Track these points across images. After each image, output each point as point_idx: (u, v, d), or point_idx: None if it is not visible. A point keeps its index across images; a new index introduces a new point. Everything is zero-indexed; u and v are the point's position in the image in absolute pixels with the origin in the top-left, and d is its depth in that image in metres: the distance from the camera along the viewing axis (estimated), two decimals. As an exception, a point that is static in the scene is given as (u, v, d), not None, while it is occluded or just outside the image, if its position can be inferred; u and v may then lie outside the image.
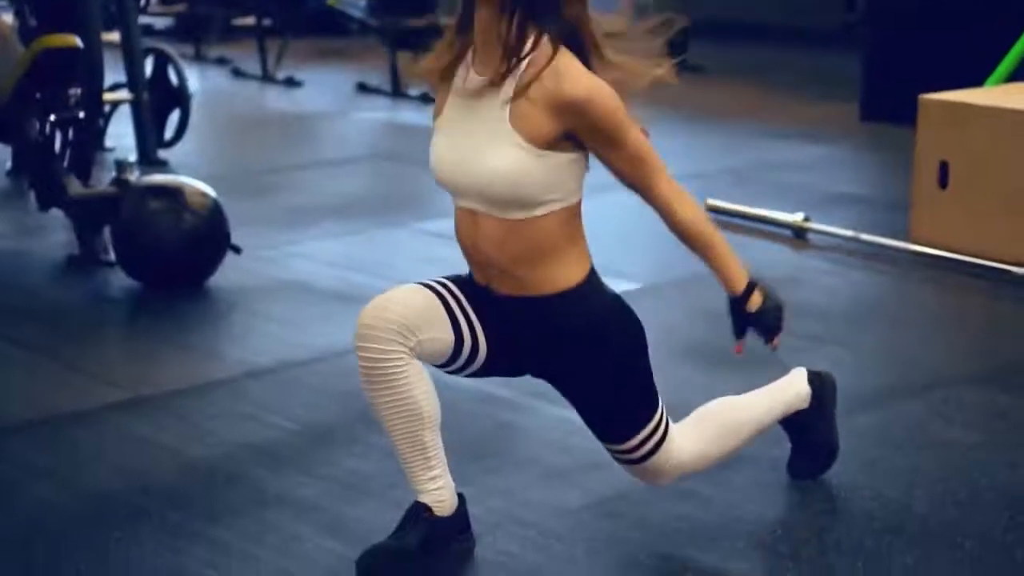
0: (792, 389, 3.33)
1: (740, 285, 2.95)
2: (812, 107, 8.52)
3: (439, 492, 2.93)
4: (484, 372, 2.99)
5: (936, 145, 5.43)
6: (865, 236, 5.46)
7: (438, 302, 2.87)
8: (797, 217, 5.63)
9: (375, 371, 2.81)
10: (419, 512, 2.93)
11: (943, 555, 3.04)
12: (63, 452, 3.59)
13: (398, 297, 2.84)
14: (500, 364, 2.97)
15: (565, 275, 2.86)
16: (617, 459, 3.09)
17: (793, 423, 3.35)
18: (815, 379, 3.37)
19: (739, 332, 3.00)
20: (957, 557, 3.04)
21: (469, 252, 2.91)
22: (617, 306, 2.94)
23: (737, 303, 2.95)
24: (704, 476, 3.40)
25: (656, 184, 2.83)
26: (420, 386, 2.84)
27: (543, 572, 2.96)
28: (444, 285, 2.91)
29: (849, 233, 5.50)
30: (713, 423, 3.17)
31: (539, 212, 2.80)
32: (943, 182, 5.39)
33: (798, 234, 5.61)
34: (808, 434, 3.36)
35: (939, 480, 3.41)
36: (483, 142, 2.77)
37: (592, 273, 2.91)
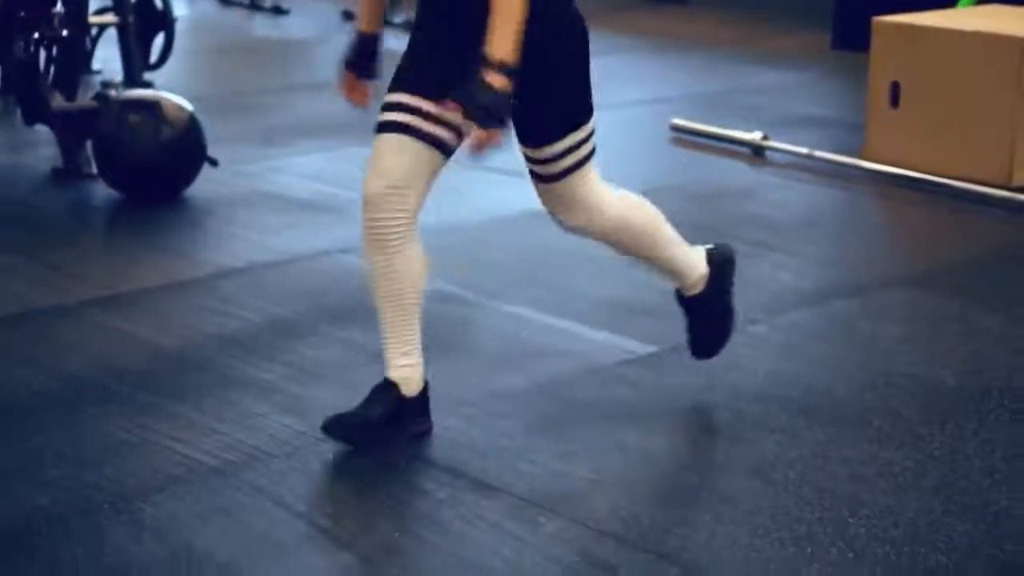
0: (693, 267, 3.41)
1: (494, 54, 2.89)
2: (786, 36, 8.68)
3: (409, 370, 3.17)
4: None
5: (888, 66, 5.64)
6: (819, 153, 5.67)
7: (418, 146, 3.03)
8: (755, 135, 5.84)
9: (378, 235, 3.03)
10: (387, 388, 3.17)
11: (853, 432, 3.28)
12: (43, 342, 3.82)
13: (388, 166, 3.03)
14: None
15: None
16: (539, 177, 3.22)
17: (690, 303, 3.45)
18: (715, 260, 3.45)
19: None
20: (867, 434, 3.28)
21: None
22: (576, 15, 3.11)
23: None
24: (637, 361, 3.66)
25: None
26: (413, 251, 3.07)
27: (479, 444, 3.20)
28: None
29: (804, 151, 5.71)
30: (639, 209, 3.32)
31: None
32: (895, 101, 5.60)
33: (756, 152, 5.82)
34: (704, 315, 3.45)
35: (859, 369, 3.65)
36: None
37: None
